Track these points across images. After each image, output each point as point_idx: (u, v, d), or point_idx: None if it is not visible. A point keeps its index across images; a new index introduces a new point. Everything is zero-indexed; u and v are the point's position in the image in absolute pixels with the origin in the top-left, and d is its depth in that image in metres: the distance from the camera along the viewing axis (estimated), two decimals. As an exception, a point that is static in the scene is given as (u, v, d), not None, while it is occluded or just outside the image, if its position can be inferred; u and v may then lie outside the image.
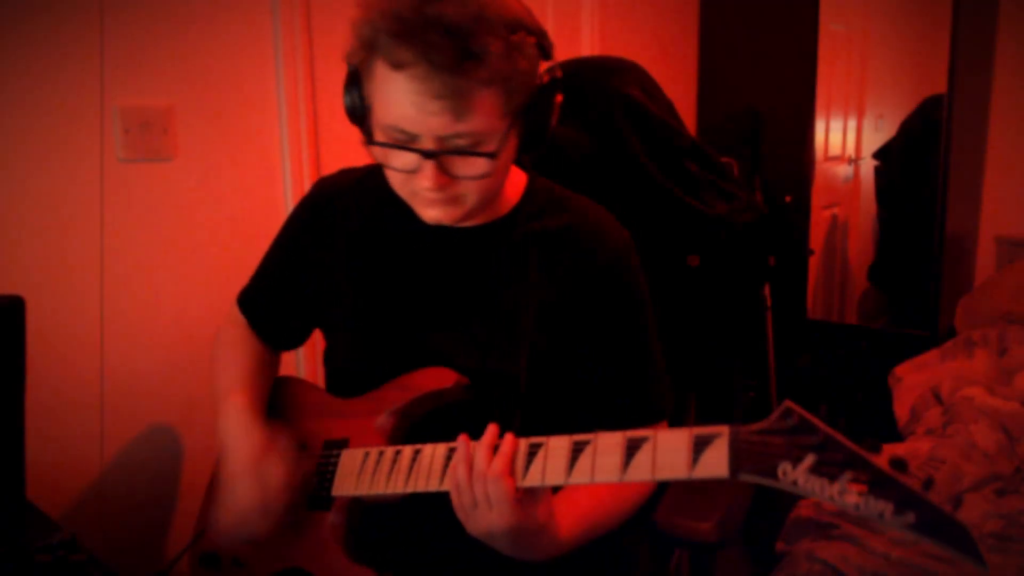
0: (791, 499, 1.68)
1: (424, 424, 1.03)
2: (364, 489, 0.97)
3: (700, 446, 0.76)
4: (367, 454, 0.99)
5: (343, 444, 1.03)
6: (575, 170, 1.35)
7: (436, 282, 1.07)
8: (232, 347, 1.20)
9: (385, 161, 0.95)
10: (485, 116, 0.89)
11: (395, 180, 0.98)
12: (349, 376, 1.11)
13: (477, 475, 0.85)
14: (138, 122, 1.50)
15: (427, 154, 0.90)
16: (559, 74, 0.97)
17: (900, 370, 2.34)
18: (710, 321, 1.55)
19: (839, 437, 0.69)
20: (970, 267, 2.88)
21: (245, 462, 1.02)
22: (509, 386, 1.03)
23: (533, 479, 0.84)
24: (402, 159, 0.93)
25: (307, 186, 1.22)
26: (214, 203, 1.64)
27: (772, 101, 3.06)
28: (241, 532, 1.01)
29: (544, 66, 0.96)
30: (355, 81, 0.95)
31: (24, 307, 1.12)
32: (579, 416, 1.08)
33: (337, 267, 1.12)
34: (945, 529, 0.63)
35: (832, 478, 0.67)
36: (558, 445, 0.84)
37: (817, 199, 3.12)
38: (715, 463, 0.74)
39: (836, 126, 3.18)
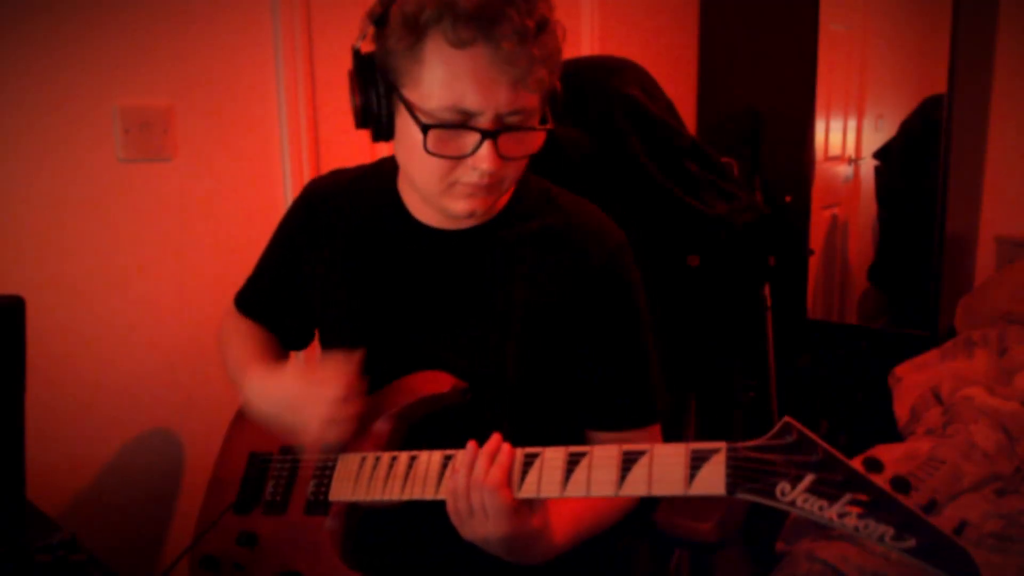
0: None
1: (421, 428, 1.03)
2: (361, 495, 0.97)
3: (697, 462, 0.75)
4: (364, 459, 0.99)
5: (340, 448, 1.03)
6: (575, 170, 1.35)
7: (430, 284, 1.06)
8: (238, 332, 1.21)
9: (437, 149, 0.90)
10: (538, 92, 0.91)
11: (434, 173, 0.93)
12: None
13: (474, 484, 0.84)
14: (138, 122, 1.49)
15: (488, 133, 0.89)
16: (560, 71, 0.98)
17: (900, 370, 2.33)
18: (710, 321, 1.55)
19: (839, 456, 0.68)
20: (970, 267, 2.87)
21: (295, 394, 0.99)
22: (503, 388, 1.03)
23: (528, 491, 0.84)
24: (457, 143, 0.91)
25: (307, 186, 1.22)
26: (214, 203, 1.64)
27: (772, 101, 3.05)
28: (324, 442, 0.99)
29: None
30: (372, 70, 0.93)
31: (24, 307, 1.12)
32: (573, 417, 1.07)
33: (331, 268, 1.11)
34: (946, 554, 0.62)
35: (831, 499, 0.66)
36: (554, 457, 0.84)
37: (817, 199, 3.12)
38: (712, 480, 0.73)
39: (836, 126, 3.17)
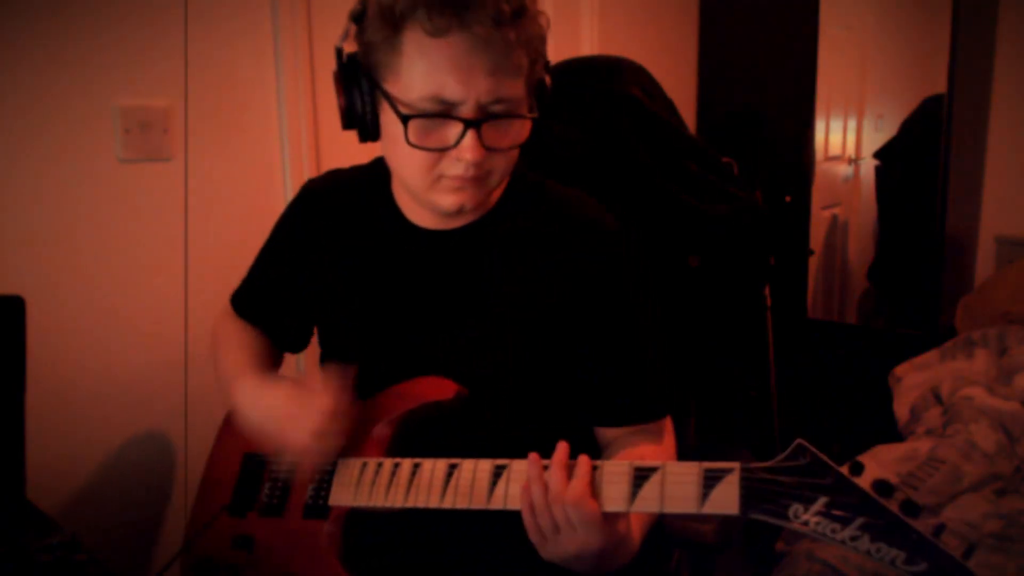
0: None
1: (422, 433, 1.02)
2: (363, 500, 0.96)
3: (711, 482, 0.75)
4: (364, 464, 0.98)
5: (339, 452, 1.03)
6: (574, 170, 1.35)
7: (426, 285, 1.05)
8: (232, 336, 1.20)
9: (419, 141, 0.90)
10: (521, 80, 0.91)
11: (419, 167, 0.93)
12: None
13: (554, 498, 0.81)
14: (138, 122, 1.49)
15: (471, 122, 0.88)
16: (550, 61, 0.98)
17: (900, 370, 2.33)
18: (710, 321, 1.55)
19: (851, 479, 0.69)
20: (970, 267, 2.87)
21: (286, 405, 0.99)
22: (502, 389, 1.02)
23: None
24: (440, 134, 0.90)
25: (307, 186, 1.21)
26: (214, 203, 1.64)
27: (772, 101, 3.05)
28: (311, 454, 0.99)
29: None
30: (355, 69, 0.93)
31: (24, 307, 1.12)
32: (574, 417, 1.06)
33: (327, 270, 1.11)
34: None
35: (844, 523, 0.68)
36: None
37: (817, 199, 3.12)
38: (726, 500, 0.74)
39: (836, 126, 3.18)
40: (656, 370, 1.06)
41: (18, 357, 1.12)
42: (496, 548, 1.01)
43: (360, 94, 0.93)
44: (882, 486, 0.67)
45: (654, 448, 1.02)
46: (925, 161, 2.84)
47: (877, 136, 3.15)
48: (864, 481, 0.68)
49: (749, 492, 0.72)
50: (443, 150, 0.90)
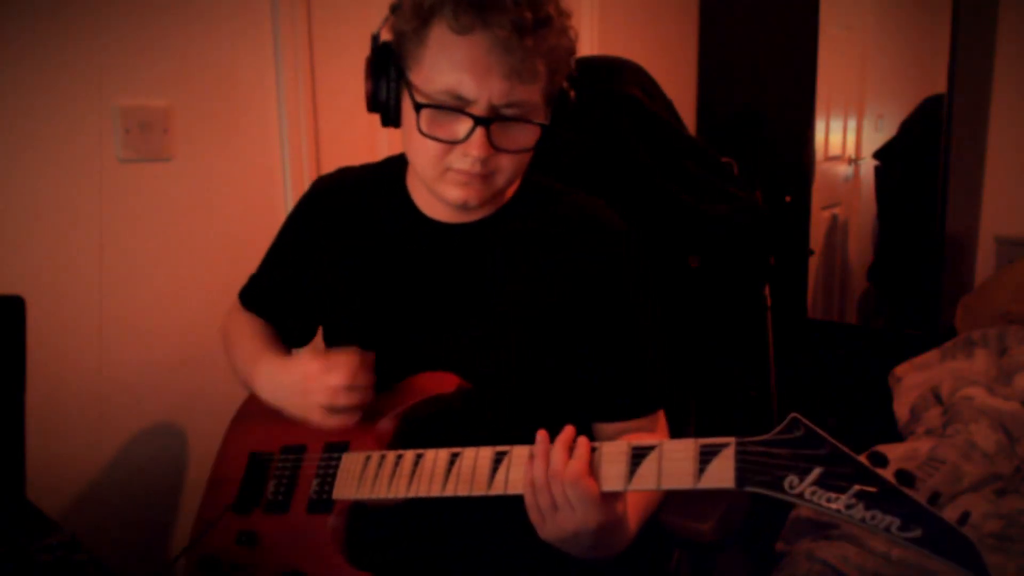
0: (791, 499, 1.67)
1: (424, 426, 1.03)
2: (366, 493, 0.97)
3: (707, 456, 0.75)
4: (368, 458, 0.99)
5: (344, 447, 1.03)
6: (575, 170, 1.35)
7: (433, 280, 1.07)
8: (244, 327, 1.22)
9: (430, 131, 0.94)
10: (537, 88, 0.93)
11: (429, 156, 0.96)
12: None
13: (554, 476, 0.83)
14: (138, 122, 1.50)
15: (481, 120, 0.91)
16: (575, 74, 1.00)
17: (900, 370, 2.33)
18: (710, 321, 1.55)
19: (846, 450, 0.69)
20: (970, 267, 2.87)
21: (304, 378, 1.01)
22: (506, 386, 1.03)
23: None
24: (450, 128, 0.93)
25: (307, 186, 1.22)
26: (213, 203, 1.64)
27: (772, 101, 3.06)
28: (329, 426, 1.01)
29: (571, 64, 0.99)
30: (386, 57, 0.96)
31: (24, 307, 1.12)
32: (576, 415, 1.07)
33: (335, 265, 1.12)
34: (951, 544, 0.64)
35: (839, 491, 0.68)
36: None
37: (817, 199, 3.13)
38: (721, 474, 0.74)
39: (836, 126, 3.18)
40: (655, 369, 1.08)
41: (18, 357, 1.12)
42: (499, 539, 1.01)
43: (387, 81, 0.97)
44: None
45: (649, 438, 1.04)
46: (925, 161, 2.84)
47: (877, 136, 3.15)
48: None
49: (744, 465, 0.73)
50: (452, 143, 0.94)
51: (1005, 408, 1.92)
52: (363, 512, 1.00)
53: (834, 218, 3.26)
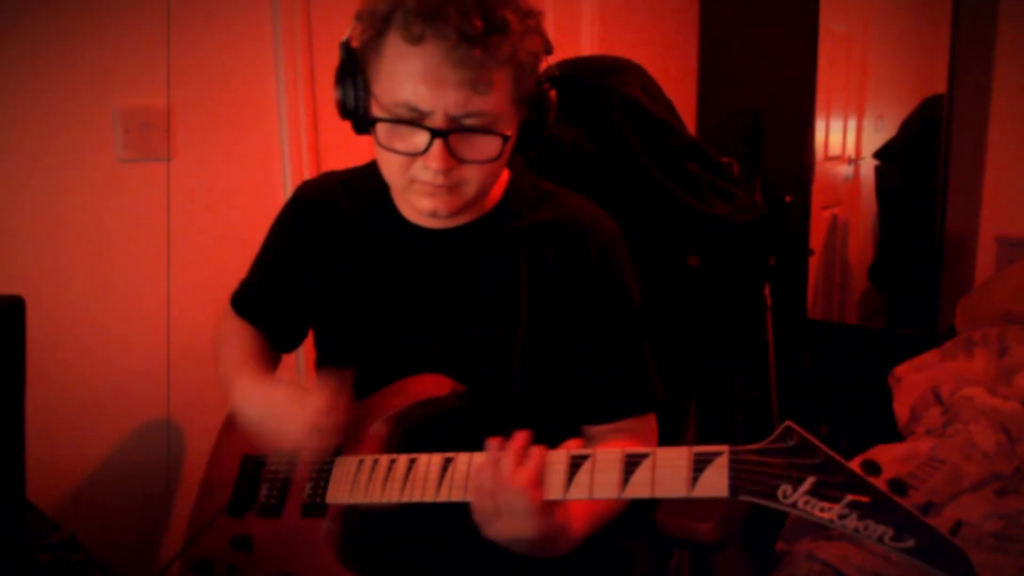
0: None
1: (419, 430, 1.02)
2: (359, 497, 0.96)
3: (700, 465, 0.76)
4: (361, 461, 0.98)
5: (337, 450, 1.03)
6: (574, 170, 1.35)
7: (426, 284, 1.06)
8: (233, 336, 1.21)
9: (388, 144, 0.92)
10: (499, 96, 0.90)
11: (393, 167, 0.95)
12: None
13: (500, 483, 0.83)
14: (138, 122, 1.49)
15: (438, 132, 0.89)
16: (557, 72, 0.98)
17: (900, 370, 2.33)
18: (710, 321, 1.55)
19: (839, 459, 0.69)
20: (970, 267, 2.87)
21: (283, 402, 1.00)
22: (503, 389, 1.03)
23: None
24: (409, 140, 0.91)
25: (307, 186, 1.22)
26: (214, 203, 1.64)
27: (772, 101, 3.05)
28: (305, 450, 1.00)
29: (544, 62, 0.96)
30: (353, 65, 0.94)
31: (24, 307, 1.12)
32: (572, 416, 1.07)
33: (324, 270, 1.11)
34: (944, 554, 0.64)
35: (832, 501, 0.68)
36: (557, 459, 0.84)
37: (817, 199, 3.12)
38: (715, 483, 0.74)
39: (836, 126, 3.17)
40: (648, 369, 1.08)
41: (18, 357, 1.12)
42: (494, 542, 1.01)
43: (354, 89, 0.95)
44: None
45: (636, 443, 1.03)
46: (925, 161, 2.84)
47: (877, 136, 3.15)
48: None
49: (738, 474, 0.73)
50: (412, 155, 0.92)
51: (1005, 408, 1.92)
52: (358, 515, 1.00)
53: (834, 218, 3.26)
